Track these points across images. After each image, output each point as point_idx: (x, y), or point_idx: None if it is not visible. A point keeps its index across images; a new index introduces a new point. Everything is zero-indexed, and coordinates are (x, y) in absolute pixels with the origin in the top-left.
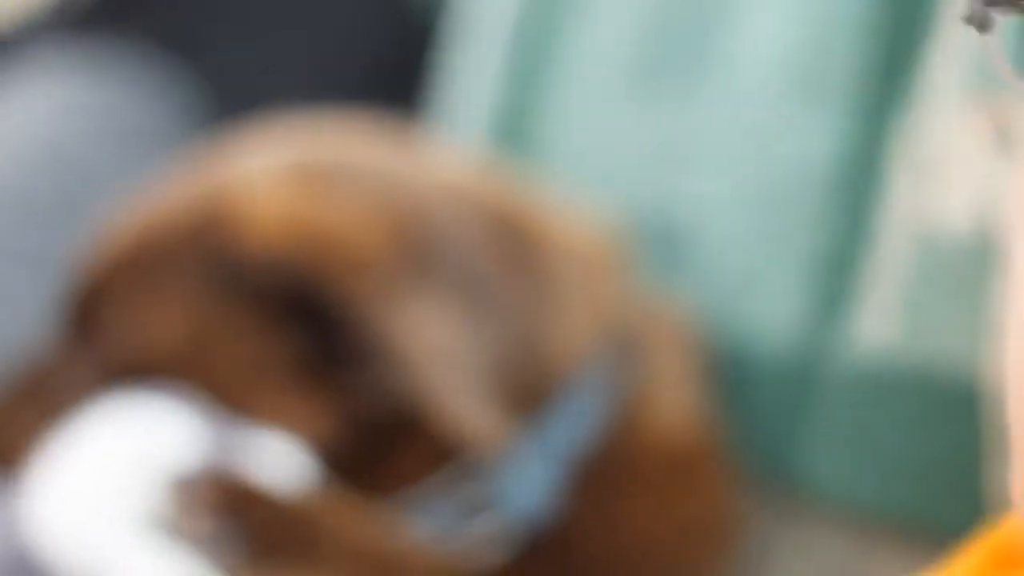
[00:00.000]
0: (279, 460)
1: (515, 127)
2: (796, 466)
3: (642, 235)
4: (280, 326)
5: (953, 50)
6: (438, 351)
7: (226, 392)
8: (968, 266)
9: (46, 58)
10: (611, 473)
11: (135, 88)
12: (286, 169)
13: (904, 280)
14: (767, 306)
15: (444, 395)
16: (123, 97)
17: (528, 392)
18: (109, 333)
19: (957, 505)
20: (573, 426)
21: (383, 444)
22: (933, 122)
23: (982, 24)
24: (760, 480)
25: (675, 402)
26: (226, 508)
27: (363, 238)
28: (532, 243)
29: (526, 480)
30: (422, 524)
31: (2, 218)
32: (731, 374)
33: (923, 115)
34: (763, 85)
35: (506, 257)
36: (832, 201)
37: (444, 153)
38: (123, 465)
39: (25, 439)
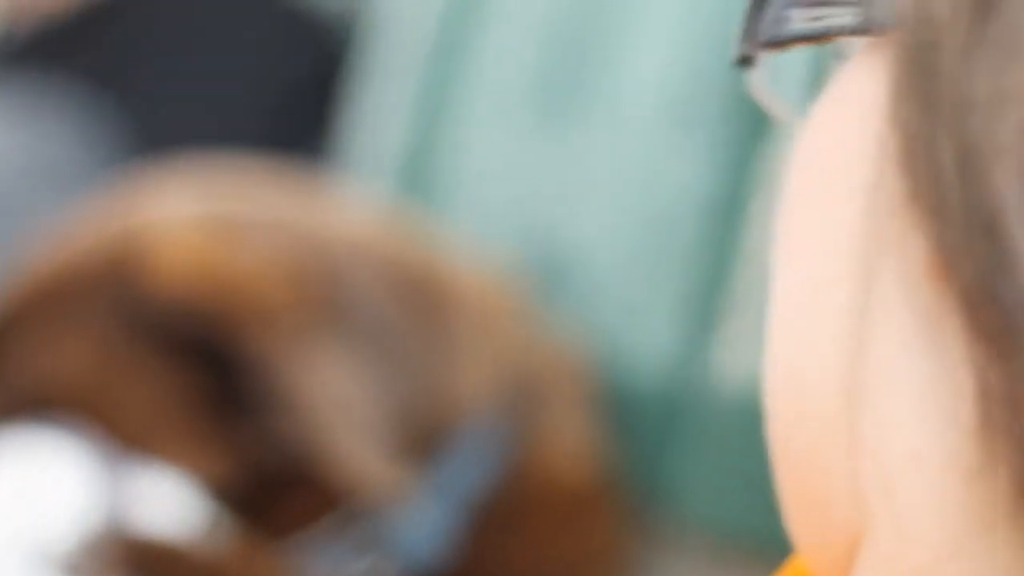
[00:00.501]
0: (173, 499)
1: (420, 154)
2: (667, 492)
3: (532, 267)
4: (183, 368)
5: None
6: (334, 400)
7: (125, 430)
8: None
9: None
10: (506, 514)
11: (60, 126)
12: (198, 216)
13: (756, 309)
14: (644, 335)
15: (337, 443)
16: (48, 134)
17: (426, 439)
18: (13, 366)
19: None
20: (470, 471)
21: (278, 488)
22: (786, 154)
23: (746, 62)
24: (636, 507)
25: (569, 442)
26: (136, 566)
27: (269, 287)
28: (435, 294)
29: (421, 524)
30: (316, 567)
31: None
32: (610, 404)
33: (778, 147)
34: (642, 120)
35: (409, 308)
36: (702, 233)
37: (351, 202)
38: (15, 504)
39: None
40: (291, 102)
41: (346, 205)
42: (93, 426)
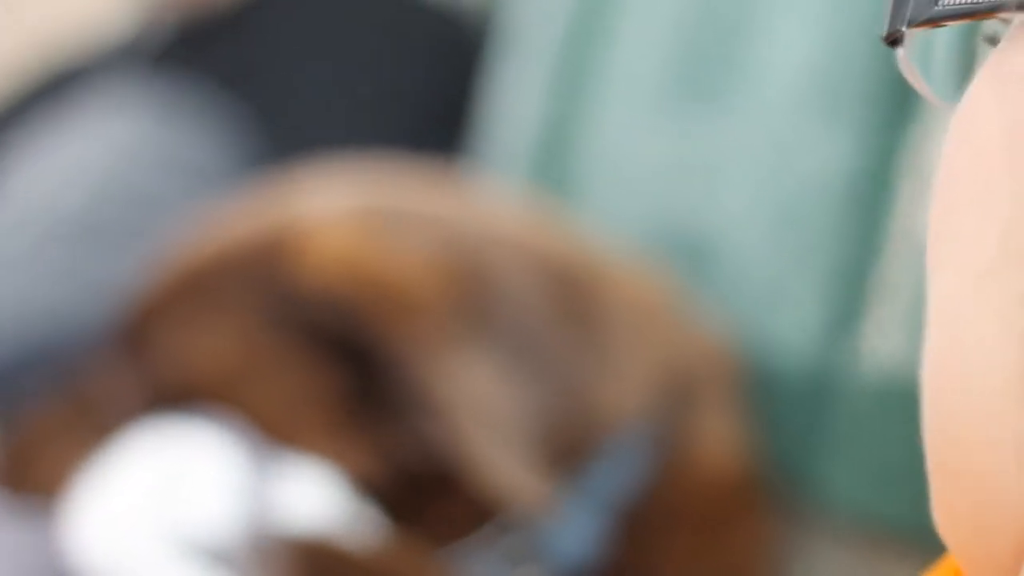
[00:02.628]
0: (320, 493)
1: (556, 141)
2: (811, 478)
3: (674, 253)
4: (328, 363)
5: None
6: (479, 405)
7: (269, 422)
8: None
9: (117, 93)
10: (657, 519)
11: (197, 125)
12: (349, 210)
13: (907, 292)
14: (788, 320)
15: (481, 450)
16: (186, 134)
17: (575, 445)
18: (159, 356)
19: None
20: (620, 476)
21: (426, 492)
22: (937, 135)
23: (895, 41)
24: (785, 500)
25: (720, 441)
26: (286, 560)
27: (418, 285)
28: (588, 296)
29: (571, 531)
30: (469, 574)
31: (71, 245)
32: (757, 395)
33: (929, 129)
34: (785, 102)
35: (561, 311)
36: (848, 215)
37: (496, 199)
38: (163, 494)
39: (68, 463)
40: (427, 102)
41: (493, 202)
42: (237, 417)
